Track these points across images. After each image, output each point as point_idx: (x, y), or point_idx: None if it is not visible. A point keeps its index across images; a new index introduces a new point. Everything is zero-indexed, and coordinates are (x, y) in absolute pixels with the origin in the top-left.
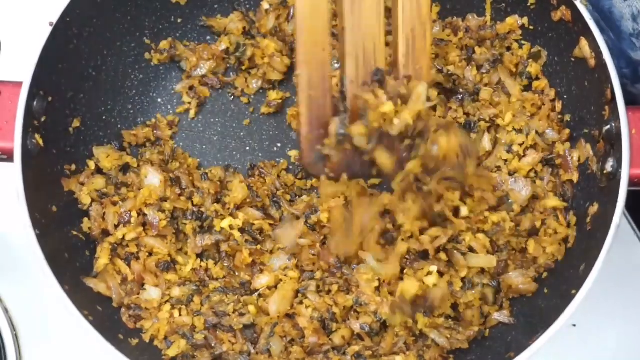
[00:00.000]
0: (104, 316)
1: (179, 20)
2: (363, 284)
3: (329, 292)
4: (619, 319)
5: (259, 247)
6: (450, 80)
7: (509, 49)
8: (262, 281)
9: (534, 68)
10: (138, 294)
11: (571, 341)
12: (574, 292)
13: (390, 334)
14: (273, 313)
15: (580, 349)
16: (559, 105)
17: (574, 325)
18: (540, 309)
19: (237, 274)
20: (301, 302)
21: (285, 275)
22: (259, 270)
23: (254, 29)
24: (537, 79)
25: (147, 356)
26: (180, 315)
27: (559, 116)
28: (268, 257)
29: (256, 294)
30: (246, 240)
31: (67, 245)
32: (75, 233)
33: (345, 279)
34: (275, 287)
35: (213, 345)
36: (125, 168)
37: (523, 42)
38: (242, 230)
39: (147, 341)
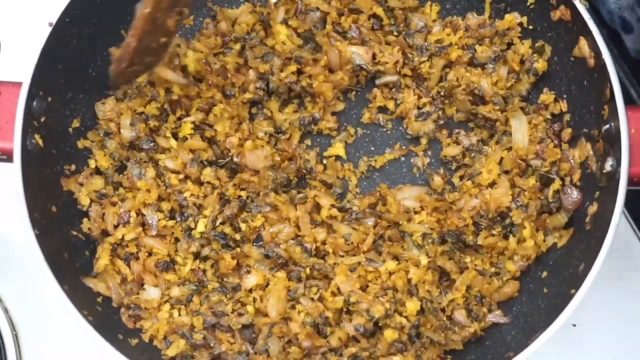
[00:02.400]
0: (104, 316)
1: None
2: (337, 271)
3: (320, 299)
4: (619, 319)
5: (238, 249)
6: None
7: (509, 45)
8: (251, 281)
9: (540, 64)
10: (137, 294)
11: (571, 341)
12: (573, 291)
13: (387, 334)
14: (274, 316)
15: (580, 349)
16: (564, 105)
17: (574, 325)
18: (539, 308)
19: (225, 279)
20: (294, 307)
21: (273, 276)
22: (246, 271)
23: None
24: (543, 77)
25: (146, 356)
26: (179, 315)
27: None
28: (252, 260)
29: (251, 296)
30: (223, 246)
31: (67, 245)
32: (74, 233)
33: (323, 274)
34: (267, 285)
35: (212, 345)
36: (121, 168)
37: (523, 40)
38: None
39: (147, 341)
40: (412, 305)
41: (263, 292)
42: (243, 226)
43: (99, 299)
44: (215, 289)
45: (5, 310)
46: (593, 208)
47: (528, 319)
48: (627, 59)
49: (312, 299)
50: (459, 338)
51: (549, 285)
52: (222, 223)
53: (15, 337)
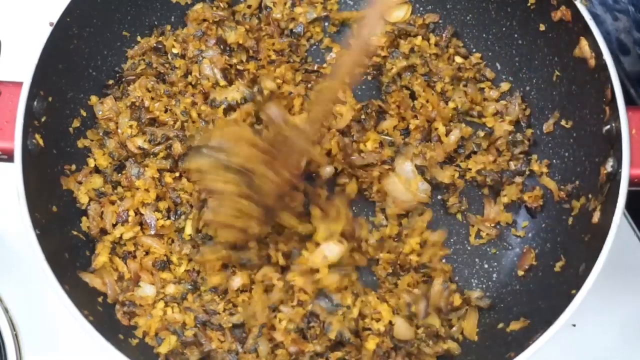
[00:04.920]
0: (105, 316)
1: (180, 20)
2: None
3: (300, 303)
4: (619, 319)
5: (224, 252)
6: None
7: None
8: (237, 282)
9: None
10: (133, 291)
11: (571, 341)
12: (573, 292)
13: (369, 341)
14: (261, 321)
15: (580, 349)
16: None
17: (574, 325)
18: (540, 309)
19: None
20: (275, 316)
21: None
22: (232, 272)
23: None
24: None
25: (146, 356)
26: (172, 312)
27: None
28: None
29: (240, 297)
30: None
31: (67, 245)
32: (75, 233)
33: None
34: (253, 284)
35: (202, 342)
36: (120, 167)
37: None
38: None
39: (141, 337)
40: (385, 311)
41: (249, 294)
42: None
43: (100, 299)
44: (208, 289)
45: (6, 310)
46: (594, 209)
47: (528, 319)
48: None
49: (293, 306)
50: (432, 352)
51: (550, 285)
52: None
53: (15, 337)
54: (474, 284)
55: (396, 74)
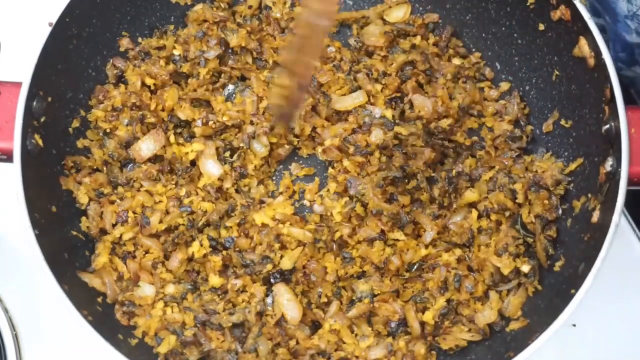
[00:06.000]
0: (104, 316)
1: (180, 21)
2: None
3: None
4: (619, 319)
5: (225, 252)
6: None
7: None
8: (236, 283)
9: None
10: (133, 291)
11: (571, 341)
12: (573, 291)
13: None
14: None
15: (580, 349)
16: None
17: (574, 325)
18: (539, 308)
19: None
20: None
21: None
22: (233, 272)
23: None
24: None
25: (145, 356)
26: (172, 312)
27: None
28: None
29: (239, 297)
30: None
31: (67, 245)
32: (74, 233)
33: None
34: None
35: (202, 342)
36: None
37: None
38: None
39: (140, 337)
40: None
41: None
42: (223, 232)
43: (99, 299)
44: (208, 289)
45: (5, 310)
46: (593, 208)
47: (528, 318)
48: None
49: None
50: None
51: (549, 285)
52: (208, 225)
53: (15, 337)
54: None
55: (397, 69)
